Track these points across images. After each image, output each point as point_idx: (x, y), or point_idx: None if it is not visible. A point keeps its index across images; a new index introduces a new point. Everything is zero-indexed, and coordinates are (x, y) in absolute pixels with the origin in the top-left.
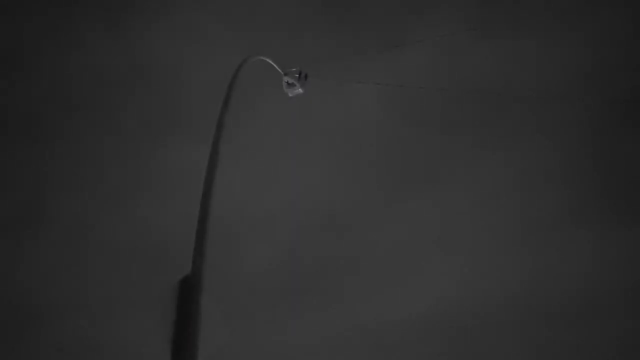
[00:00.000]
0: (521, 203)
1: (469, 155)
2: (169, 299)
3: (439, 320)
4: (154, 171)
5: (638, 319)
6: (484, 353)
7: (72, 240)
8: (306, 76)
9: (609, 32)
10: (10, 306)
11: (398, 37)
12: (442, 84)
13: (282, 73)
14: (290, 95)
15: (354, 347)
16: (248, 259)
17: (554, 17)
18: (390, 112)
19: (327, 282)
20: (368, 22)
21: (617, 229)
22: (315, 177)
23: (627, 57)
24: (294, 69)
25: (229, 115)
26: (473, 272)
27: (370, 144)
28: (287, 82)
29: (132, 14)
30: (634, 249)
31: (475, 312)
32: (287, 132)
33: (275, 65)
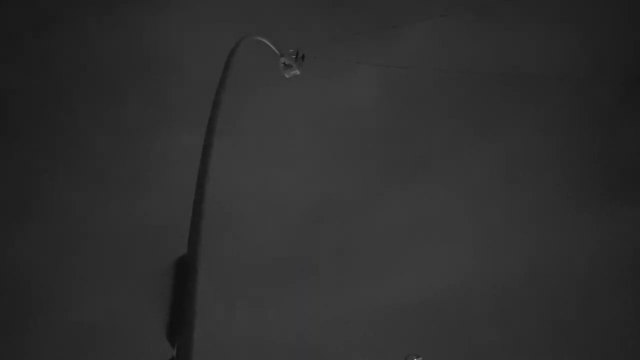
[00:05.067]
0: (522, 187)
1: (469, 139)
2: (165, 279)
3: (432, 306)
4: (151, 156)
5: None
6: (477, 339)
7: (67, 227)
8: (303, 57)
9: (612, 17)
10: (6, 294)
11: (396, 18)
12: (442, 66)
13: (279, 54)
14: (287, 76)
15: (352, 332)
16: (245, 240)
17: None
18: (387, 97)
19: (325, 266)
20: (366, 2)
21: (615, 212)
22: (310, 162)
23: (631, 40)
24: (291, 50)
25: (226, 97)
26: (468, 260)
27: (368, 129)
28: (284, 63)
29: (130, 3)
30: (633, 231)
31: (470, 299)
32: (285, 116)
33: (272, 46)
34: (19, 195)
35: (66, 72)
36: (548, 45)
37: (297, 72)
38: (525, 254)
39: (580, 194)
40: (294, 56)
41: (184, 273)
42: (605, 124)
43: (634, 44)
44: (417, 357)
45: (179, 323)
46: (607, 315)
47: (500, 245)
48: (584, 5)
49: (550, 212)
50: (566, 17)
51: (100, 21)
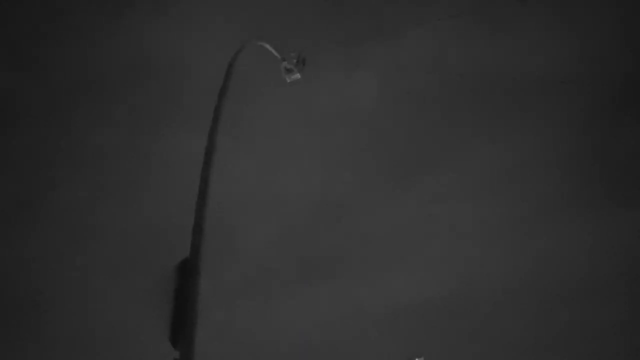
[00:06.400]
0: (519, 191)
1: (469, 141)
2: (168, 282)
3: (434, 307)
4: (153, 160)
5: (636, 302)
6: (478, 339)
7: (70, 228)
8: (304, 61)
9: (612, 18)
10: (8, 296)
11: (398, 22)
12: (442, 69)
13: (280, 58)
14: (288, 80)
15: (354, 333)
16: (248, 242)
17: (558, 3)
18: (389, 99)
19: (327, 266)
20: (367, 5)
21: (615, 213)
22: (312, 164)
23: (631, 41)
24: (292, 54)
25: (228, 100)
26: (469, 260)
27: (370, 131)
28: (285, 68)
29: (132, 5)
30: (632, 232)
31: (471, 299)
32: (287, 118)
33: (273, 51)
34: (21, 197)
35: (68, 75)
36: (548, 47)
37: (299, 76)
38: (528, 255)
39: (581, 195)
40: (296, 60)
41: (186, 275)
42: (605, 126)
43: (633, 46)
44: (420, 358)
45: (181, 325)
46: (608, 315)
47: (503, 246)
48: (584, 7)
49: (551, 213)
50: (566, 19)
51: (102, 25)
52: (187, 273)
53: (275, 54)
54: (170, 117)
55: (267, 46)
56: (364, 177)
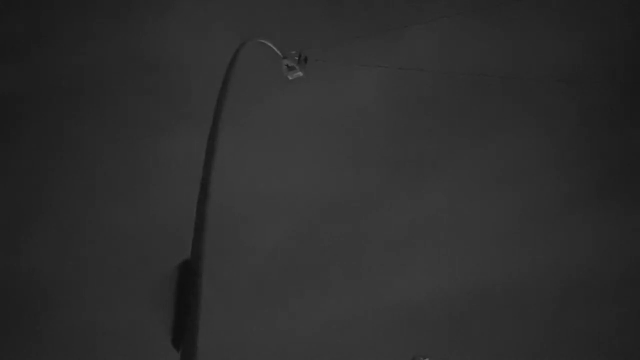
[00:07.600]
0: (520, 191)
1: (469, 142)
2: (169, 283)
3: (438, 307)
4: (155, 159)
5: (636, 303)
6: (483, 339)
7: (72, 228)
8: (306, 59)
9: (612, 18)
10: (10, 295)
11: (399, 22)
12: (443, 69)
13: (282, 56)
14: (290, 78)
15: (358, 333)
16: (250, 243)
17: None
18: (390, 99)
19: (330, 268)
20: (369, 5)
21: (614, 215)
22: (313, 164)
23: (630, 41)
24: (294, 52)
25: (229, 100)
26: (472, 260)
27: (372, 130)
28: (287, 66)
29: (132, 6)
30: (631, 234)
31: (475, 299)
32: (289, 118)
33: (275, 49)
34: (23, 200)
35: (69, 76)
36: (547, 47)
37: (300, 74)
38: (530, 254)
39: (582, 195)
40: (297, 58)
41: (188, 277)
42: (605, 126)
43: (632, 45)
44: (424, 358)
45: (183, 327)
46: (608, 315)
47: (505, 246)
48: (584, 7)
49: (553, 213)
50: (566, 19)
51: (102, 26)
52: (188, 274)
53: (277, 51)
54: (171, 118)
55: (269, 44)
56: (366, 179)
